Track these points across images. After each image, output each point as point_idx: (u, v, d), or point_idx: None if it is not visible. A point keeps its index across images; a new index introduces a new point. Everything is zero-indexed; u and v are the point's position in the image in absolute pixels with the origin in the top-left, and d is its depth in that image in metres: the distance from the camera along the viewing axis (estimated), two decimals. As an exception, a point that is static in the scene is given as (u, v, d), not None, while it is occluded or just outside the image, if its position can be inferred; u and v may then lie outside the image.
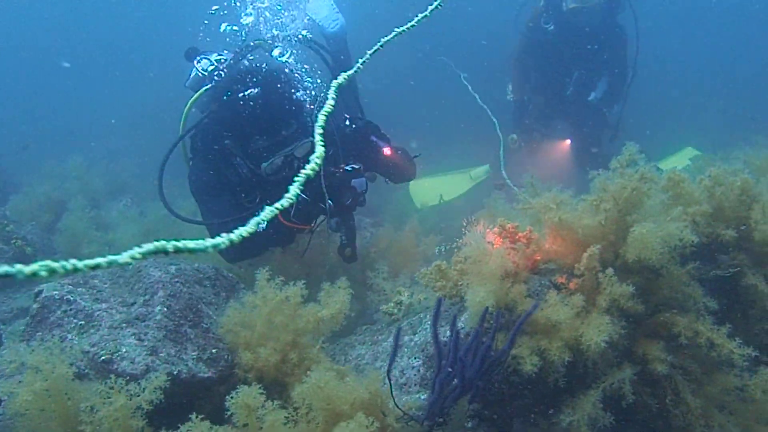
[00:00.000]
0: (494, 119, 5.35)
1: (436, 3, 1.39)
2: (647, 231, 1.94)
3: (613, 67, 6.00)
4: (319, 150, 1.06)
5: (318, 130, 1.09)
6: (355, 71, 1.34)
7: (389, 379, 1.78)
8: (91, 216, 5.18)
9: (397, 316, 2.73)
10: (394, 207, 5.99)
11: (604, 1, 5.61)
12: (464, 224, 2.35)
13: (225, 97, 3.23)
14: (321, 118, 1.13)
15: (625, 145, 2.26)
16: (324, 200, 3.18)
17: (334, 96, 4.06)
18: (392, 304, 2.72)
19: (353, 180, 3.34)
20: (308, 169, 1.02)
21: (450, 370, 1.69)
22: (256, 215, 3.30)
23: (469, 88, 6.13)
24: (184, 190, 3.92)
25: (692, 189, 2.35)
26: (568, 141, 6.30)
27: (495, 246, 2.23)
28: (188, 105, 3.65)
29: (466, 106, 5.90)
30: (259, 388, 1.85)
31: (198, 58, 3.81)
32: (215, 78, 3.63)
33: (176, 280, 2.40)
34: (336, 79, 4.46)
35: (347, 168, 3.33)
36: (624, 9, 5.88)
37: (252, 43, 3.71)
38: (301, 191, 3.46)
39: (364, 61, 1.31)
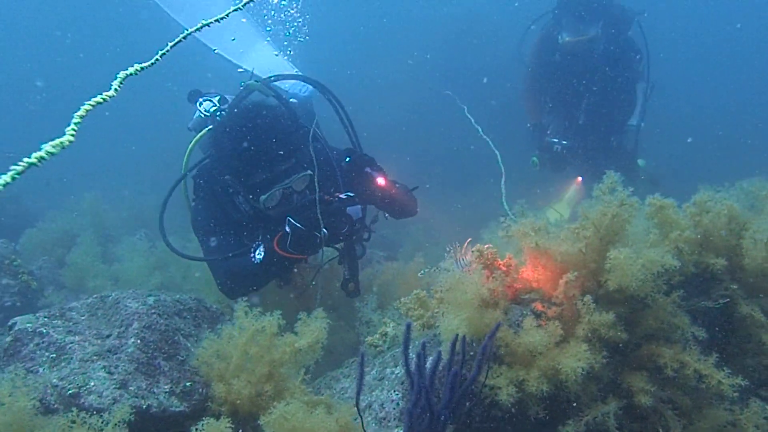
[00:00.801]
0: (496, 151, 5.36)
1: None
2: (624, 257, 1.91)
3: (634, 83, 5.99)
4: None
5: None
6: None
7: (358, 409, 1.73)
8: (98, 250, 5.30)
9: (382, 348, 2.69)
10: (411, 240, 5.96)
11: (601, 33, 5.63)
12: (447, 250, 2.33)
13: (225, 134, 3.33)
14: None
15: (606, 174, 2.24)
16: (318, 229, 3.17)
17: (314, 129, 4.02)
18: (377, 336, 2.69)
19: (348, 208, 3.34)
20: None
21: (418, 400, 1.64)
22: (253, 248, 3.31)
23: (472, 120, 6.18)
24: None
25: (677, 216, 2.31)
26: (579, 178, 6.26)
27: (471, 273, 2.19)
28: (191, 145, 3.77)
29: (476, 141, 5.93)
30: (229, 421, 1.81)
31: (200, 100, 3.91)
32: (217, 118, 3.73)
33: (153, 311, 2.39)
34: (342, 117, 4.46)
35: (341, 196, 3.34)
36: (631, 24, 5.88)
37: (249, 85, 3.80)
38: (297, 220, 3.48)
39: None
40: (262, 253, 3.31)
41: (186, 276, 4.52)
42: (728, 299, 2.21)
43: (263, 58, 5.77)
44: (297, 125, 3.75)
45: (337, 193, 3.40)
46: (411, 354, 1.71)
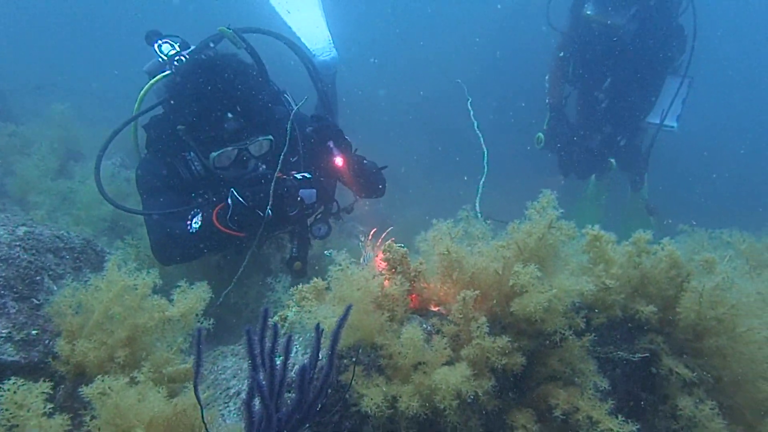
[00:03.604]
0: (485, 148, 5.15)
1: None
2: (530, 277, 1.74)
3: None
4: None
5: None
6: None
7: (197, 396, 1.55)
8: (54, 165, 5.15)
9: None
10: (404, 221, 5.84)
11: (630, 21, 5.42)
12: (361, 239, 2.15)
13: (181, 81, 3.15)
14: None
15: (541, 192, 2.07)
16: (263, 208, 2.96)
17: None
18: (277, 318, 2.50)
19: (302, 190, 3.14)
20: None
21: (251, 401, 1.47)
22: (191, 215, 3.06)
23: (471, 113, 5.95)
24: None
25: (614, 254, 2.15)
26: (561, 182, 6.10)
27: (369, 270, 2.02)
28: (144, 90, 3.59)
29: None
30: (50, 386, 1.63)
31: (159, 42, 3.67)
32: (175, 63, 3.50)
33: (17, 243, 2.22)
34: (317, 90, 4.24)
35: (297, 176, 3.14)
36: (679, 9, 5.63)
37: (219, 30, 3.58)
38: (242, 195, 3.24)
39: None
40: (199, 223, 3.12)
41: (141, 221, 4.31)
42: (649, 354, 2.05)
43: (307, 23, 5.73)
44: (264, 84, 3.55)
45: (293, 172, 3.22)
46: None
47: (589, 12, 5.45)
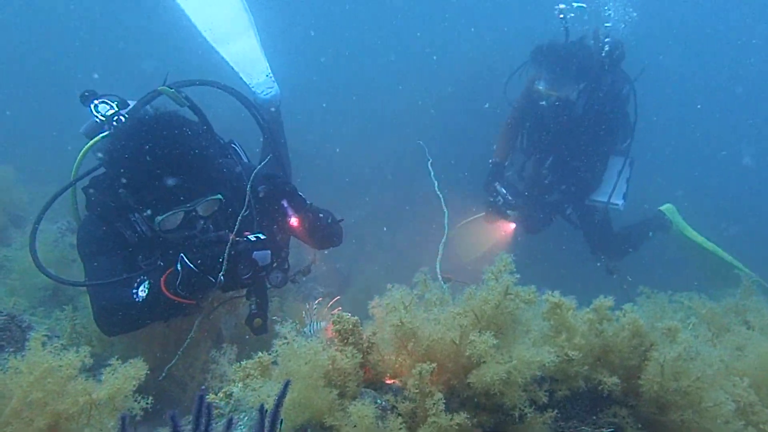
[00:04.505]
0: (445, 209, 5.20)
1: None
2: (487, 345, 1.67)
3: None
4: None
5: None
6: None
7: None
8: None
9: (224, 411, 2.33)
10: (365, 279, 5.68)
11: (579, 96, 5.66)
12: (307, 306, 2.05)
13: (120, 142, 3.06)
14: None
15: (499, 255, 2.02)
16: (215, 272, 2.84)
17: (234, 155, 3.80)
18: (222, 395, 2.33)
19: (255, 252, 3.06)
20: None
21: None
22: (137, 282, 2.89)
23: (432, 174, 6.02)
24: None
25: (575, 321, 2.10)
26: (513, 225, 6.15)
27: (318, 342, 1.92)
28: (82, 152, 3.51)
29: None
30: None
31: (95, 102, 3.60)
32: (114, 124, 3.42)
33: (-71, 322, 2.01)
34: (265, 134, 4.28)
35: (250, 237, 3.04)
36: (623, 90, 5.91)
37: (158, 89, 3.54)
38: (192, 258, 3.11)
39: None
40: (146, 291, 2.99)
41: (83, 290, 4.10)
42: (613, 428, 1.97)
43: (243, 51, 5.63)
44: (210, 139, 3.50)
45: (246, 233, 3.15)
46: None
47: (540, 87, 5.68)
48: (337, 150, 9.39)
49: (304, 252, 3.88)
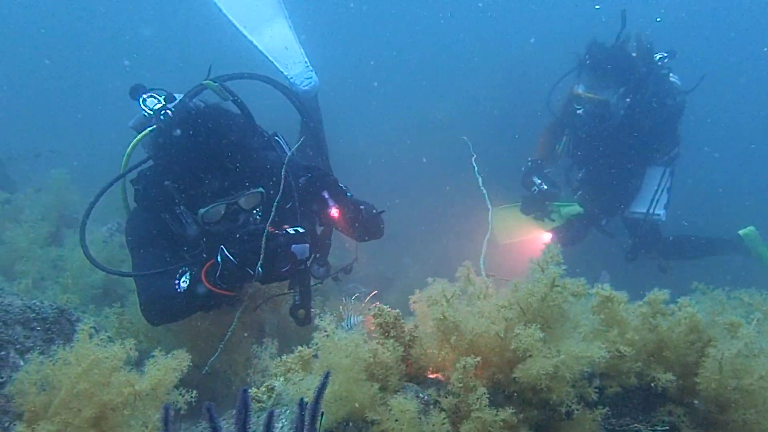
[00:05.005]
0: (489, 206, 5.14)
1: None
2: (535, 338, 1.61)
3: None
4: None
5: None
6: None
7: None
8: (45, 232, 5.12)
9: (266, 404, 2.34)
10: (409, 282, 5.72)
11: (618, 101, 5.51)
12: (344, 301, 2.03)
13: (165, 136, 3.16)
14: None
15: (547, 247, 1.95)
16: (253, 265, 2.87)
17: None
18: (264, 389, 2.35)
19: (294, 246, 3.07)
20: None
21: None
22: (179, 274, 2.96)
23: (476, 169, 5.98)
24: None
25: (627, 315, 2.02)
26: (549, 236, 6.02)
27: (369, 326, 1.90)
28: (130, 147, 3.59)
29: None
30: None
31: (143, 96, 3.68)
32: (161, 117, 3.50)
33: (-18, 315, 2.08)
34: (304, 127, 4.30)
35: (290, 231, 3.06)
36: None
37: (203, 83, 3.60)
38: (231, 251, 3.16)
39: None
40: (187, 282, 3.05)
41: (134, 286, 4.24)
42: (667, 428, 1.88)
43: (276, 38, 5.56)
44: (251, 132, 3.55)
45: (285, 226, 3.16)
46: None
47: (579, 91, 5.57)
48: (371, 159, 9.45)
49: (347, 252, 3.88)
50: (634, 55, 5.61)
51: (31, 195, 5.94)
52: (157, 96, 3.66)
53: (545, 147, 6.31)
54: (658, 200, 5.79)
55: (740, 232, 6.22)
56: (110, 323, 3.45)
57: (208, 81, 3.65)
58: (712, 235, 6.49)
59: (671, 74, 5.89)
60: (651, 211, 5.78)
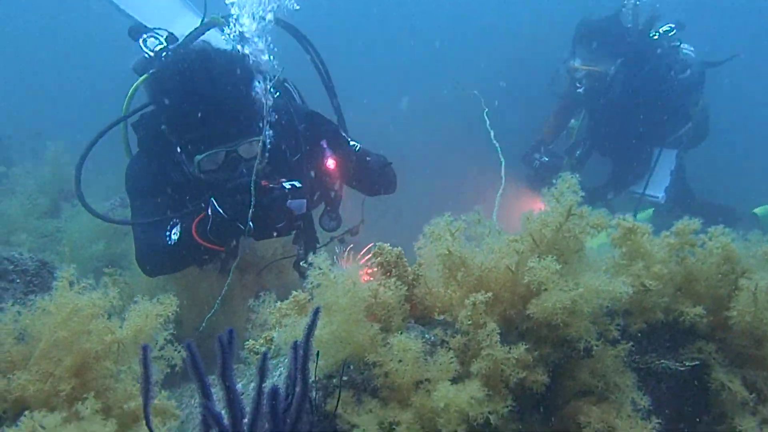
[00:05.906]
0: (501, 158, 4.99)
1: None
2: (550, 271, 1.47)
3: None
4: None
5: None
6: None
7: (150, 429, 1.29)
8: (42, 203, 5.11)
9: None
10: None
11: (617, 71, 5.32)
12: (337, 251, 1.90)
13: (164, 78, 2.97)
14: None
15: (560, 176, 1.80)
16: (244, 220, 2.73)
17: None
18: (261, 341, 2.24)
19: (290, 201, 2.91)
20: None
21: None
22: (170, 225, 2.79)
23: (488, 123, 5.82)
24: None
25: (652, 246, 1.87)
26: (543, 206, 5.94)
27: (365, 278, 1.76)
28: (131, 90, 3.40)
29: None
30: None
31: (144, 36, 3.49)
32: (162, 59, 3.32)
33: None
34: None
35: (285, 185, 2.90)
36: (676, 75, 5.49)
37: (208, 21, 3.40)
38: (221, 203, 2.98)
39: None
40: (177, 234, 2.93)
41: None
42: (698, 362, 1.74)
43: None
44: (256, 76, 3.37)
45: (281, 179, 2.99)
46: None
47: (576, 63, 5.42)
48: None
49: (352, 212, 3.73)
50: (629, 26, 5.42)
51: (28, 168, 5.87)
52: (157, 36, 3.47)
53: (553, 131, 6.18)
54: (656, 180, 5.58)
55: (756, 210, 6.09)
56: (105, 284, 3.36)
57: (215, 17, 3.39)
58: (730, 207, 6.33)
59: (683, 45, 5.60)
60: (646, 191, 5.59)
